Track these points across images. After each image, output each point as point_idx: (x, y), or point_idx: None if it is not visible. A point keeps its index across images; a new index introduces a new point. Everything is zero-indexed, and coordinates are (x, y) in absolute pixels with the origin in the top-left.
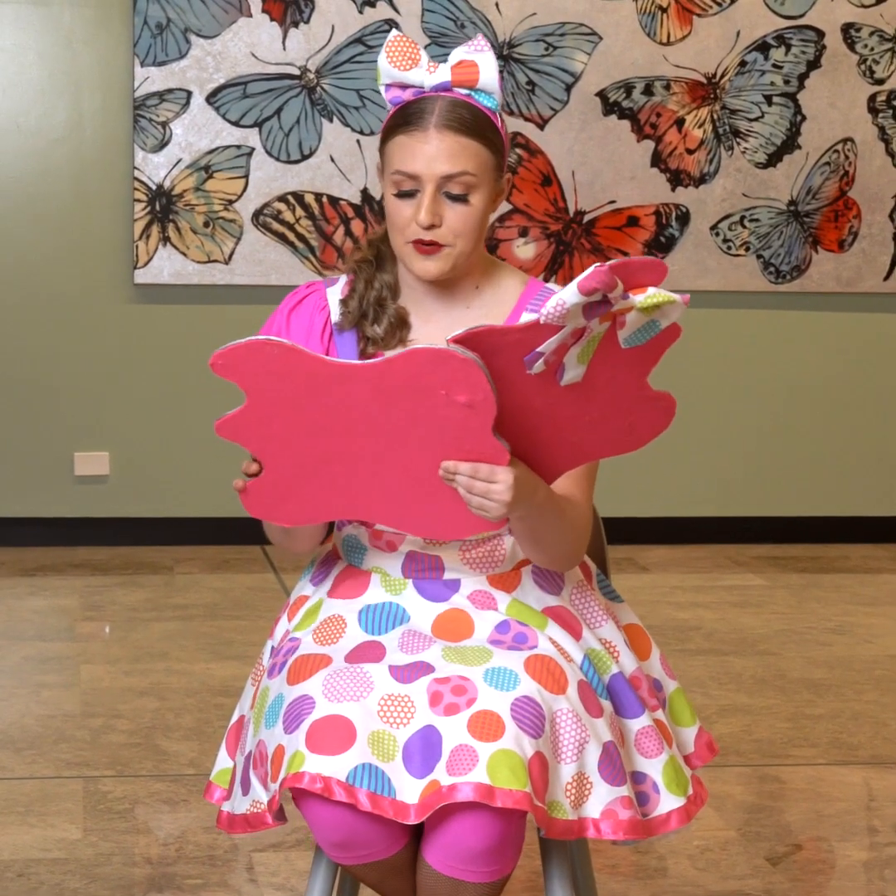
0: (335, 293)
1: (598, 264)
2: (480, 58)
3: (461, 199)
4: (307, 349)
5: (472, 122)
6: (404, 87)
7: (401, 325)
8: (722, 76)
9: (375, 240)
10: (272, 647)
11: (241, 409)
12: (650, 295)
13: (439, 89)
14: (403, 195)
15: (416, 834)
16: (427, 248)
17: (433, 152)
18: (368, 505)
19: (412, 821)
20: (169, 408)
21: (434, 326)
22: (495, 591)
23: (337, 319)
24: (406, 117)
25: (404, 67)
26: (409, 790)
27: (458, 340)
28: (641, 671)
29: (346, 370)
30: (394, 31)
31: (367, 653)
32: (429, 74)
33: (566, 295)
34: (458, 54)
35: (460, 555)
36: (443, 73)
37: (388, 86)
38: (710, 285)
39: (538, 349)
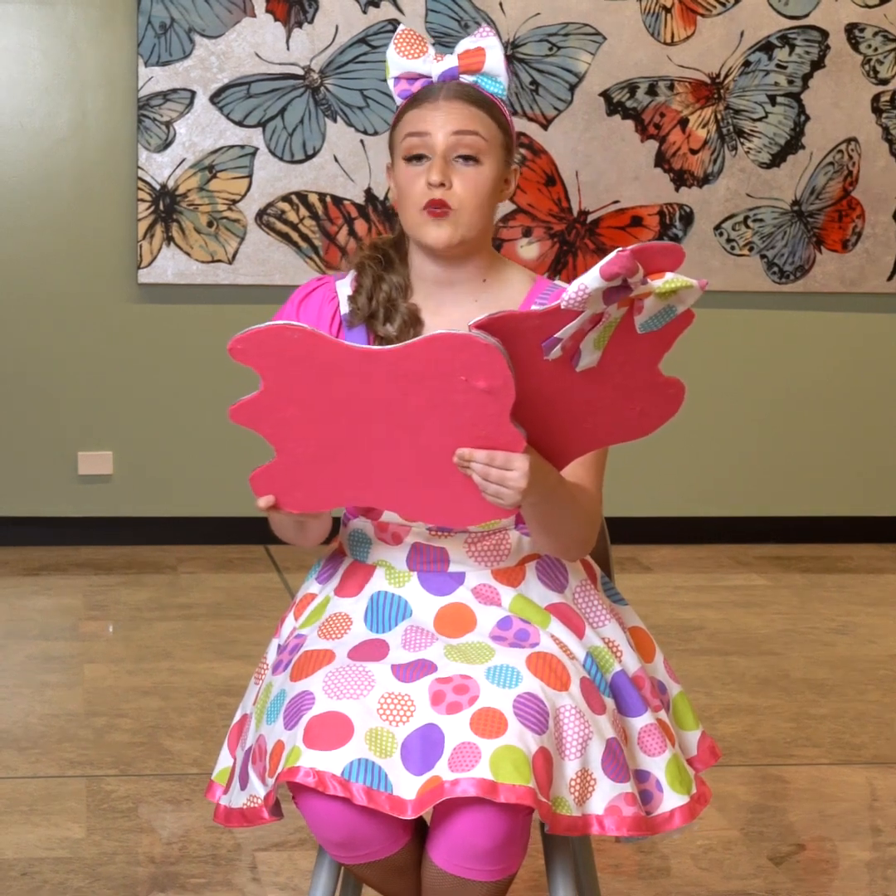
0: (344, 286)
1: (620, 249)
2: (485, 43)
3: (471, 159)
4: (327, 334)
5: (479, 96)
6: (412, 79)
7: (414, 322)
8: (726, 76)
9: (382, 243)
10: (279, 645)
11: (256, 394)
12: (668, 280)
13: (446, 77)
14: (414, 159)
15: (418, 834)
16: (437, 211)
17: (443, 116)
18: (380, 492)
19: (409, 816)
20: (172, 407)
21: (443, 318)
22: (499, 585)
23: (346, 312)
24: (415, 98)
25: (412, 56)
26: (406, 786)
27: (480, 326)
28: (644, 671)
29: (366, 355)
30: (402, 26)
31: (370, 650)
32: (436, 63)
33: (588, 280)
34: (463, 44)
35: (465, 547)
36: (450, 61)
37: (397, 79)
38: (714, 285)
39: (556, 335)
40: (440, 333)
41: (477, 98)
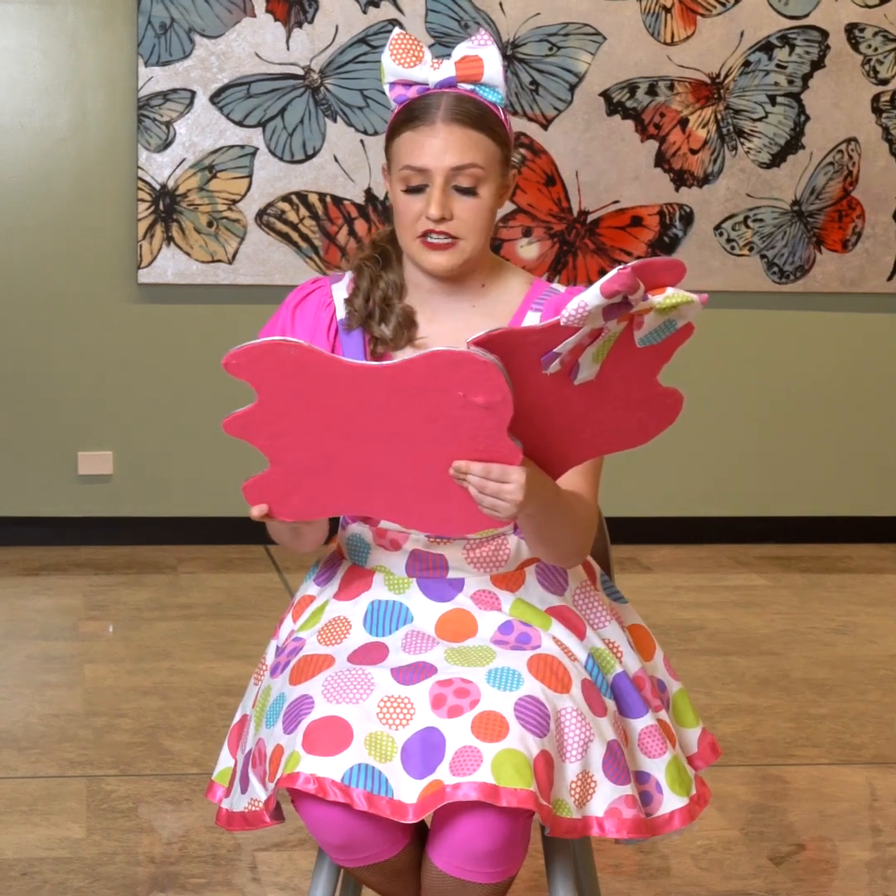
0: (340, 290)
1: (621, 267)
2: (484, 52)
3: (470, 191)
4: (323, 350)
5: (478, 115)
6: (409, 84)
7: (408, 324)
8: (726, 76)
9: (380, 240)
10: (277, 647)
11: (251, 407)
12: (669, 295)
13: (444, 86)
14: (412, 191)
15: (417, 836)
16: (439, 245)
17: (441, 145)
18: (375, 501)
19: (410, 820)
20: (172, 407)
21: (439, 325)
22: (499, 590)
23: (343, 317)
24: (412, 113)
25: (408, 64)
26: (407, 790)
27: (479, 343)
28: (645, 671)
29: (363, 371)
30: (397, 29)
31: (370, 654)
32: (433, 71)
33: (588, 297)
34: (461, 50)
35: (464, 554)
36: (447, 70)
37: (393, 84)
38: (714, 285)
39: (555, 350)
40: (439, 350)
41: (476, 117)
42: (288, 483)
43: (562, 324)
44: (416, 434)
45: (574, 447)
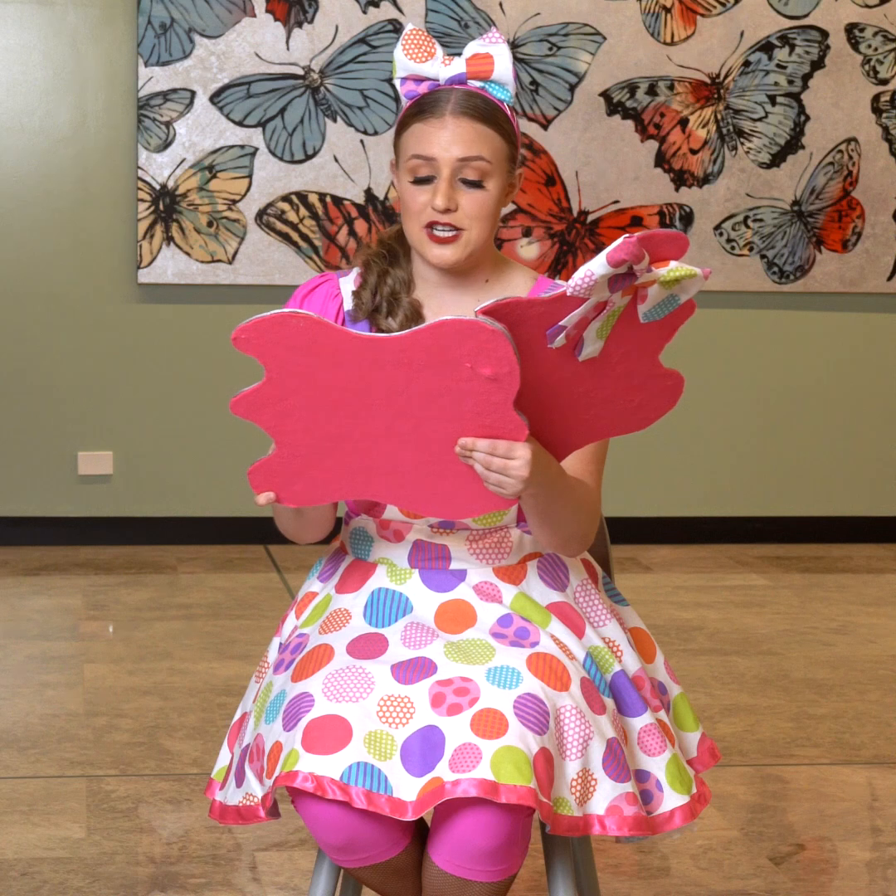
0: (348, 283)
1: (626, 236)
2: (495, 50)
3: (476, 184)
4: (331, 322)
5: (486, 110)
6: (420, 80)
7: (415, 317)
8: (726, 76)
9: (387, 238)
10: (280, 644)
11: (258, 385)
12: (673, 268)
13: (454, 82)
14: (419, 181)
15: (418, 836)
16: (443, 238)
17: (449, 137)
18: (379, 485)
19: (409, 817)
20: (172, 407)
21: None
22: (501, 583)
23: (350, 308)
24: (421, 107)
25: (420, 59)
26: (406, 788)
27: (487, 311)
28: (644, 672)
29: (372, 343)
30: (410, 25)
31: (369, 646)
32: (444, 67)
33: (595, 266)
34: (472, 47)
35: (467, 545)
36: (458, 66)
37: (404, 79)
38: (714, 285)
39: (561, 323)
40: (447, 319)
41: (484, 112)
42: (293, 466)
43: (568, 293)
44: (421, 412)
45: (576, 429)
